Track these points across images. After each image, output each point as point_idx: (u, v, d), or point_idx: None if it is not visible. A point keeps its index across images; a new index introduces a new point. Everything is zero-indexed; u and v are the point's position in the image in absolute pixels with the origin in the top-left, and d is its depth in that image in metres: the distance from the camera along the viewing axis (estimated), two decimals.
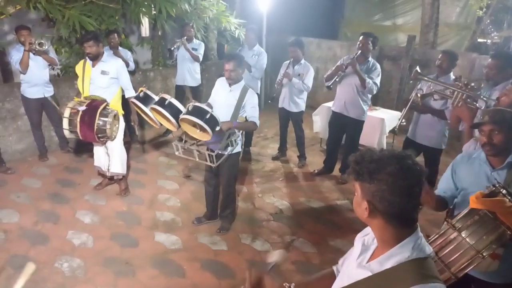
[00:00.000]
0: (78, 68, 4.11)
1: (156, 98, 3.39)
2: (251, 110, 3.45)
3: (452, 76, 3.89)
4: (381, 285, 1.15)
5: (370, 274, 1.19)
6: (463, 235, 1.75)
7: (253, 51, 5.38)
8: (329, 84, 4.40)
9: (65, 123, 3.84)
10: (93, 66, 4.00)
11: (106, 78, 4.00)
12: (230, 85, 3.48)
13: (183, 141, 3.45)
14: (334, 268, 1.61)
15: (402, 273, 1.12)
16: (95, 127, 3.75)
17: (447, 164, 2.32)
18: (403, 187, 1.10)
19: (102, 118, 3.79)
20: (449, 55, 3.87)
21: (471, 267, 1.73)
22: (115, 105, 4.06)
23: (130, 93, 4.16)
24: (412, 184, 1.12)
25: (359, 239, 1.38)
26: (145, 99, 3.52)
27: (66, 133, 3.92)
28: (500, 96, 2.70)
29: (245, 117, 3.50)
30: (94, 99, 3.90)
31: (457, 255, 1.74)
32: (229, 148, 3.43)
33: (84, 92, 4.01)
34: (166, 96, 3.29)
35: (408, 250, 1.13)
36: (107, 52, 5.25)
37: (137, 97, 3.55)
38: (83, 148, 5.53)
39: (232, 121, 3.35)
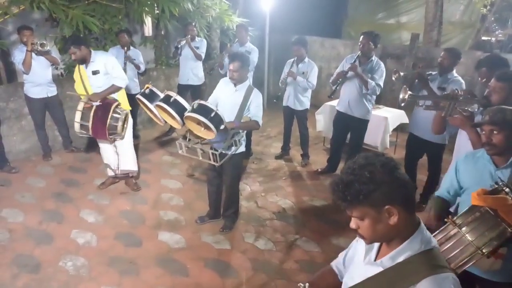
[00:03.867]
0: (75, 74, 4.11)
1: (161, 95, 3.41)
2: (255, 110, 3.45)
3: (454, 73, 3.86)
4: (394, 279, 1.19)
5: (382, 269, 1.23)
6: (463, 232, 1.75)
7: (245, 47, 5.44)
8: (330, 95, 4.61)
9: (77, 116, 3.86)
10: (86, 68, 4.03)
11: (99, 77, 4.01)
12: (235, 85, 3.47)
13: (187, 139, 3.46)
14: (333, 264, 1.62)
15: (414, 266, 1.16)
16: (108, 123, 3.78)
17: (449, 162, 2.31)
18: (396, 169, 1.16)
19: (115, 115, 3.84)
20: (451, 53, 3.84)
21: (470, 264, 1.73)
22: (122, 101, 4.08)
23: (120, 82, 4.04)
24: (397, 164, 1.19)
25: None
26: (151, 96, 3.55)
27: (77, 126, 3.89)
28: (488, 95, 2.59)
29: (250, 116, 3.50)
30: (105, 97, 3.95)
31: (457, 251, 1.74)
32: (233, 148, 3.43)
33: (88, 93, 4.02)
34: (172, 93, 3.31)
35: (418, 243, 1.18)
36: (115, 50, 5.28)
37: (142, 94, 3.58)
38: (87, 148, 5.55)
39: (234, 121, 3.35)
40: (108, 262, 3.34)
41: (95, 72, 4.01)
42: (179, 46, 5.92)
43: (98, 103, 3.83)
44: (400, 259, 1.19)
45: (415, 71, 4.03)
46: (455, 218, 1.82)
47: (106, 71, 4.03)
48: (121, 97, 4.13)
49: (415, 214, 1.22)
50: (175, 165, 5.29)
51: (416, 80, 3.98)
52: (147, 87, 3.61)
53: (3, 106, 4.94)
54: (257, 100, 3.45)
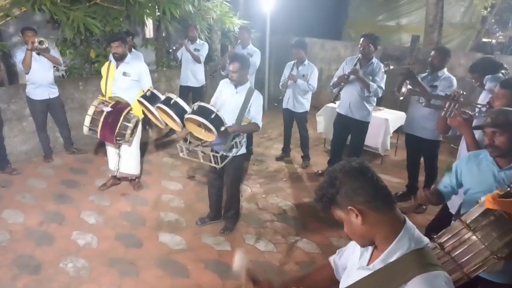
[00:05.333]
0: (103, 69, 4.19)
1: (162, 97, 3.42)
2: (255, 112, 3.45)
3: (446, 71, 3.97)
4: (384, 280, 1.17)
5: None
6: (478, 235, 1.71)
7: (247, 49, 5.46)
8: (334, 100, 4.66)
9: (87, 121, 3.90)
10: (117, 67, 4.07)
11: (127, 79, 4.07)
12: (235, 86, 3.47)
13: (188, 142, 3.46)
14: (331, 259, 1.62)
15: (404, 265, 1.15)
16: (117, 130, 3.80)
17: (447, 163, 2.33)
18: (356, 171, 1.21)
19: (124, 123, 3.87)
20: (441, 51, 3.98)
21: (484, 268, 1.70)
22: (136, 107, 4.08)
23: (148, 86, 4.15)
24: (361, 166, 1.23)
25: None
26: (152, 98, 3.58)
27: (85, 130, 3.95)
28: (491, 101, 2.62)
29: (249, 118, 3.49)
30: (119, 101, 3.96)
31: (470, 255, 1.71)
32: (234, 150, 3.44)
33: (107, 92, 4.08)
34: (172, 95, 3.32)
35: (406, 242, 1.17)
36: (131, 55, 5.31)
37: (144, 96, 3.61)
38: (88, 149, 5.56)
39: (233, 125, 3.34)
40: (108, 263, 3.34)
41: (125, 74, 4.06)
42: (174, 48, 5.94)
43: (109, 108, 3.83)
44: (391, 260, 1.18)
45: (405, 67, 4.10)
46: (468, 221, 1.77)
47: (137, 78, 4.11)
48: (136, 104, 4.11)
49: (394, 213, 1.20)
50: (175, 166, 5.29)
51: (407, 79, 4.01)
52: (148, 90, 3.63)
53: (4, 107, 4.95)
54: (257, 102, 3.45)
